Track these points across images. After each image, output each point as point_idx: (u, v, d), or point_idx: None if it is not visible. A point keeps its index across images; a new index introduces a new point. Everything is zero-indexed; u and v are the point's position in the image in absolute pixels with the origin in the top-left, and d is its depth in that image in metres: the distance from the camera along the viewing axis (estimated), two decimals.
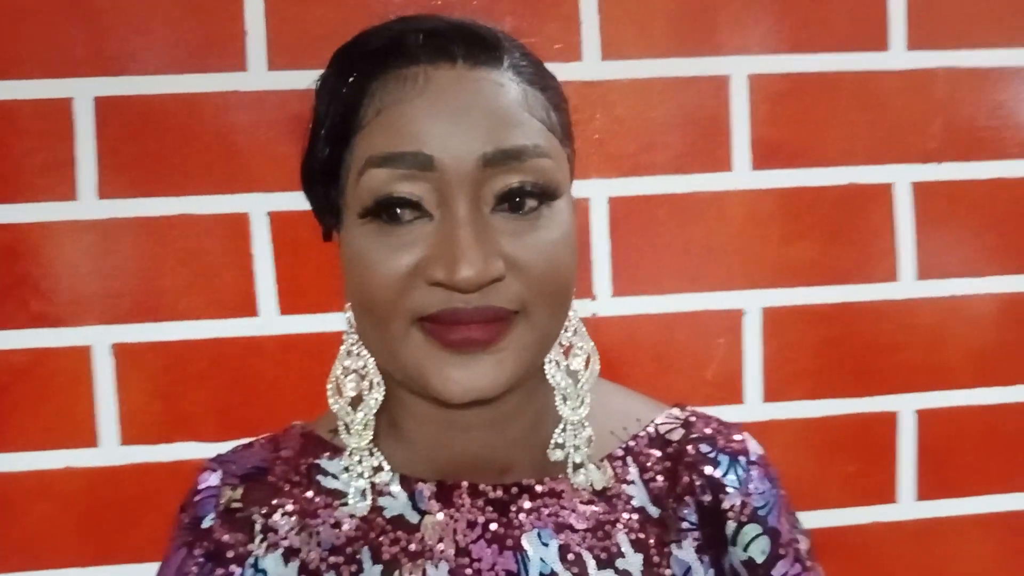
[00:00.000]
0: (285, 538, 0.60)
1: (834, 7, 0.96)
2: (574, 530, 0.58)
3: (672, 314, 0.96)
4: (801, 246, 0.97)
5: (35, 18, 0.90)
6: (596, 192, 0.95)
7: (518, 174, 0.52)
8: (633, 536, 0.59)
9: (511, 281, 0.52)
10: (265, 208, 0.92)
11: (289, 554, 0.59)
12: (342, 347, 0.61)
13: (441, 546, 0.57)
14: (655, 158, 0.95)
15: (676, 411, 0.66)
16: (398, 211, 0.52)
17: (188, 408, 0.93)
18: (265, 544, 0.60)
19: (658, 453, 0.63)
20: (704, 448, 0.62)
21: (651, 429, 0.64)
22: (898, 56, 0.96)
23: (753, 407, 0.97)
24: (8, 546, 0.92)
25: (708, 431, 0.64)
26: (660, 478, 0.62)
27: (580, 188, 0.93)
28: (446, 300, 0.51)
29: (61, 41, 0.90)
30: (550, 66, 0.89)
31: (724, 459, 0.62)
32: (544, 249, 0.53)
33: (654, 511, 0.60)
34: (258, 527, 0.60)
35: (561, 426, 0.60)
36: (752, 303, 0.97)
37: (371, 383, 0.60)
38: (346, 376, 0.61)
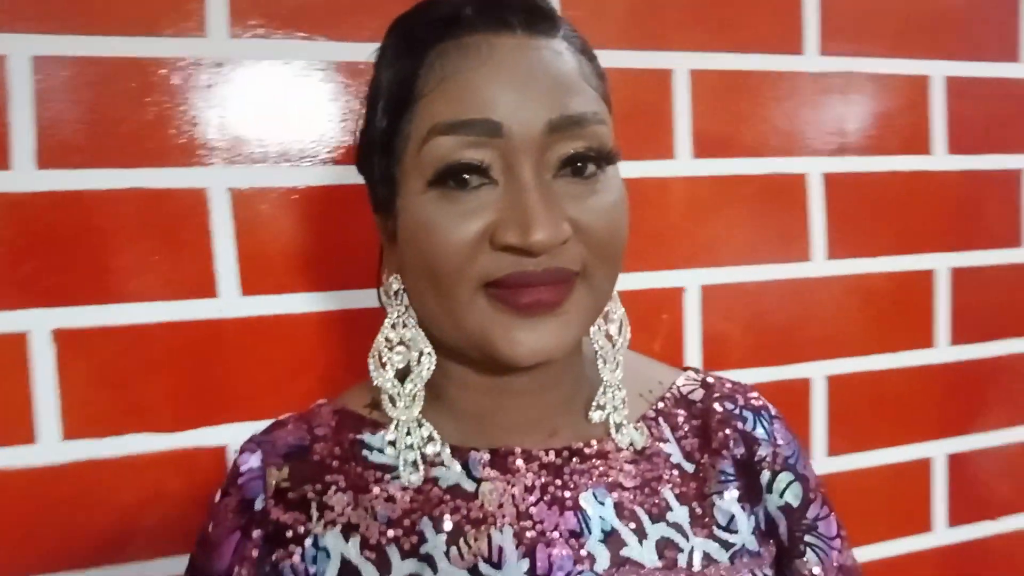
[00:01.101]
0: (342, 514, 0.59)
1: (756, 12, 1.05)
2: (624, 488, 0.60)
3: (621, 292, 1.02)
4: (732, 229, 1.06)
5: None
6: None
7: (581, 140, 0.53)
8: (677, 491, 0.62)
9: (574, 244, 0.53)
10: (225, 184, 0.87)
11: (348, 530, 0.58)
12: (386, 320, 0.60)
13: (502, 511, 0.58)
14: None
15: (692, 374, 0.70)
16: (465, 177, 0.53)
17: (140, 398, 0.86)
18: (323, 522, 0.59)
19: (684, 413, 0.66)
20: (729, 405, 0.67)
21: (674, 391, 0.68)
22: (812, 60, 1.08)
23: None
24: None
25: (727, 390, 0.68)
26: (691, 435, 0.65)
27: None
28: (515, 264, 0.52)
29: None
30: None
31: (749, 415, 0.67)
32: (605, 212, 0.55)
33: (689, 467, 0.63)
34: (314, 505, 0.59)
35: (601, 388, 0.63)
36: (692, 281, 1.04)
37: (421, 353, 0.60)
38: (391, 348, 0.60)
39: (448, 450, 0.60)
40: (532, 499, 0.59)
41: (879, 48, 1.10)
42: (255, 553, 0.59)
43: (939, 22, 1.13)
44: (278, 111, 0.88)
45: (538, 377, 0.60)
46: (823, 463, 1.10)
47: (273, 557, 0.59)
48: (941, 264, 1.15)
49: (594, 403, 0.63)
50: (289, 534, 0.59)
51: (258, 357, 0.89)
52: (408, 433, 0.60)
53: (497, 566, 0.56)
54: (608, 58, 0.97)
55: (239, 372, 0.88)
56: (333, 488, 0.60)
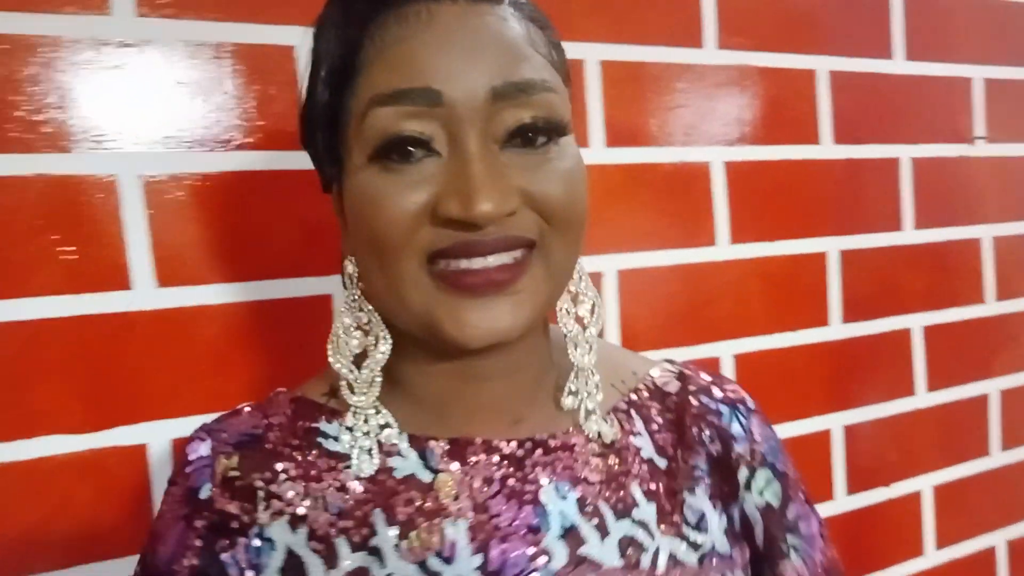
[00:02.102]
0: (291, 504, 0.56)
1: (658, 6, 1.10)
2: (589, 483, 0.58)
3: None
4: (643, 215, 1.09)
5: None
6: None
7: (528, 108, 0.51)
8: (645, 487, 0.59)
9: (527, 214, 0.52)
10: (136, 171, 0.83)
11: (296, 521, 0.56)
12: (343, 303, 0.59)
13: (458, 504, 0.56)
14: None
15: (667, 364, 0.68)
16: (409, 149, 0.51)
17: (46, 398, 0.80)
18: (270, 512, 0.56)
19: (658, 405, 0.64)
20: (705, 399, 0.65)
21: (648, 382, 0.65)
22: (711, 54, 1.13)
23: None
24: None
25: (704, 383, 0.66)
26: (665, 430, 0.63)
27: None
28: (458, 238, 0.51)
29: None
30: None
31: (726, 409, 0.65)
32: (559, 179, 0.53)
33: (661, 462, 0.61)
34: (261, 494, 0.57)
35: (573, 373, 0.60)
36: (609, 266, 1.07)
37: (377, 337, 0.57)
38: (347, 334, 0.58)
39: (405, 439, 0.58)
40: (491, 491, 0.57)
41: (770, 43, 1.17)
42: (198, 543, 0.56)
43: (822, 19, 1.21)
44: (188, 95, 0.85)
45: (499, 362, 0.57)
46: None
47: (216, 547, 0.56)
48: (832, 247, 1.22)
49: (566, 388, 0.60)
50: (234, 524, 0.56)
51: (174, 351, 0.85)
52: (365, 420, 0.58)
53: (448, 561, 0.54)
54: None
55: (155, 367, 0.84)
56: (284, 477, 0.57)
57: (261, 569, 0.55)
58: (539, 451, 0.58)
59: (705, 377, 0.68)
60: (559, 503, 0.57)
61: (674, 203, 1.11)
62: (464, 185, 0.49)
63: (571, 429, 0.60)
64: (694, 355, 1.12)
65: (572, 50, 1.00)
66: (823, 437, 1.22)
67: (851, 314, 1.24)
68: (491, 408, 0.59)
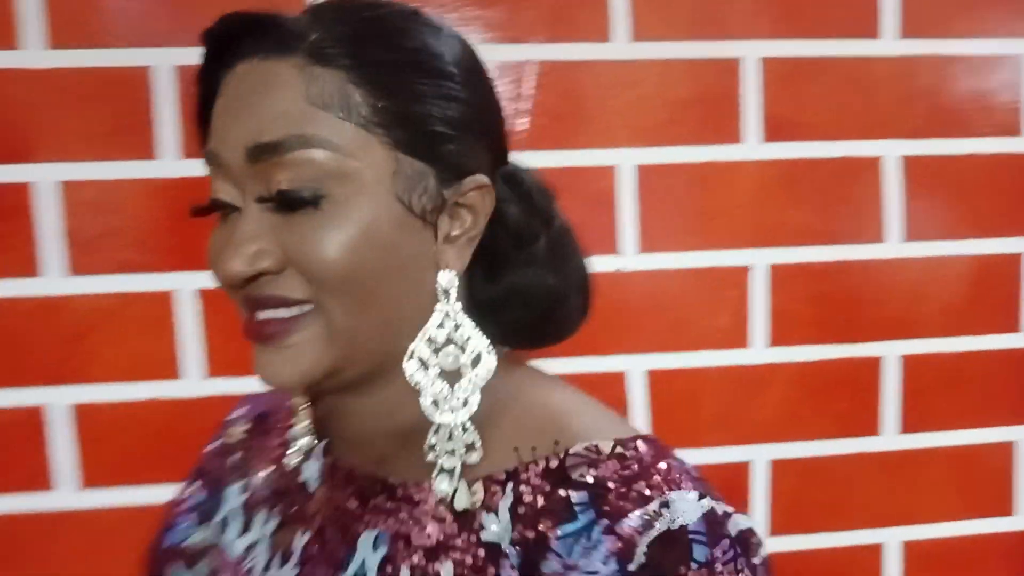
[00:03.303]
0: (244, 476, 0.66)
1: None
2: (409, 544, 0.54)
3: (689, 269, 1.09)
4: (801, 210, 1.09)
5: None
6: (624, 160, 1.06)
7: (284, 170, 0.49)
8: (459, 571, 0.52)
9: (294, 274, 0.51)
10: None
11: (245, 488, 0.65)
12: None
13: (315, 520, 0.59)
14: (676, 131, 1.07)
15: (607, 445, 0.51)
16: (222, 208, 0.53)
17: None
18: (235, 477, 0.67)
19: (548, 488, 0.51)
20: (584, 517, 0.49)
21: (560, 458, 0.52)
22: (888, 44, 1.09)
23: (758, 351, 1.10)
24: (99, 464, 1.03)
25: (618, 507, 0.48)
26: (530, 521, 0.51)
27: (609, 156, 1.05)
28: (241, 292, 0.52)
29: None
30: (583, 47, 1.01)
31: (601, 543, 0.48)
32: (321, 244, 0.50)
33: (509, 553, 0.51)
34: (232, 463, 0.68)
35: (433, 427, 0.53)
36: (759, 260, 1.09)
37: None
38: None
39: (320, 446, 0.61)
40: (334, 517, 0.58)
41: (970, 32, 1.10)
42: (184, 485, 0.69)
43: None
44: None
45: (354, 402, 0.56)
46: (891, 441, 1.13)
47: (186, 492, 0.68)
48: None
49: (426, 442, 0.53)
50: (206, 478, 0.68)
51: None
52: (303, 421, 0.62)
53: (281, 566, 0.59)
54: (677, 50, 1.05)
55: None
56: (253, 451, 0.67)
57: (209, 516, 0.66)
58: (384, 495, 0.56)
59: (628, 487, 0.49)
60: (368, 552, 0.55)
61: (835, 198, 1.10)
62: (223, 245, 0.51)
63: (427, 484, 0.54)
64: (849, 353, 1.11)
65: (728, 50, 1.04)
66: (1005, 449, 1.14)
67: None
68: (357, 441, 0.58)
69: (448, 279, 0.53)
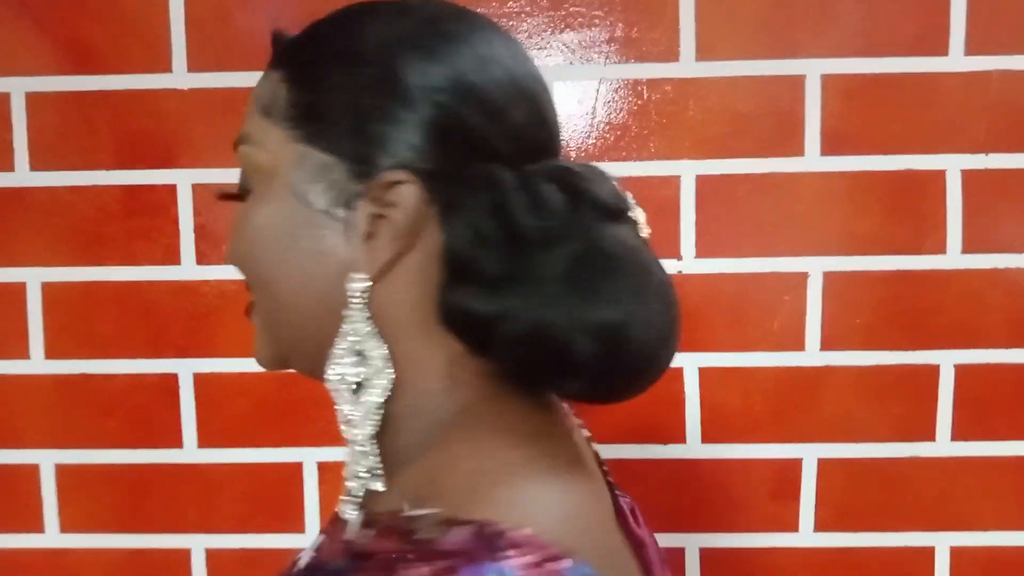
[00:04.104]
0: None
1: (899, 16, 1.12)
2: (320, 570, 0.51)
3: (746, 274, 1.15)
4: (861, 221, 1.14)
5: None
6: (686, 171, 1.15)
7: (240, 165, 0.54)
8: None
9: None
10: None
11: None
12: None
13: None
14: (739, 143, 1.14)
15: (439, 515, 0.42)
16: None
17: None
18: None
19: (329, 542, 0.52)
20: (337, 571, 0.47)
21: (394, 516, 0.45)
22: (956, 60, 1.12)
23: (813, 354, 1.16)
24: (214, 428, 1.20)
25: (368, 560, 0.44)
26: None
27: (672, 167, 1.14)
28: None
29: None
30: (651, 66, 1.10)
31: None
32: (236, 237, 0.53)
33: None
34: None
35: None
36: (815, 267, 1.15)
37: None
38: None
39: None
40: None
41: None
42: None
43: None
44: None
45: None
46: (946, 446, 1.15)
47: None
48: None
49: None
50: None
51: None
52: None
53: None
54: (742, 68, 1.12)
55: None
56: None
57: None
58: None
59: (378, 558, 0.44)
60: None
61: (896, 210, 1.14)
62: None
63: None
64: (906, 360, 1.15)
65: (792, 67, 1.10)
66: None
67: None
68: None
69: (356, 281, 0.49)
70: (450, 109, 0.48)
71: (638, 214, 0.52)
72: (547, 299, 0.46)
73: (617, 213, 0.50)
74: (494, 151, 0.49)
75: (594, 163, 0.53)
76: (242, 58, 1.15)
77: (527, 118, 0.51)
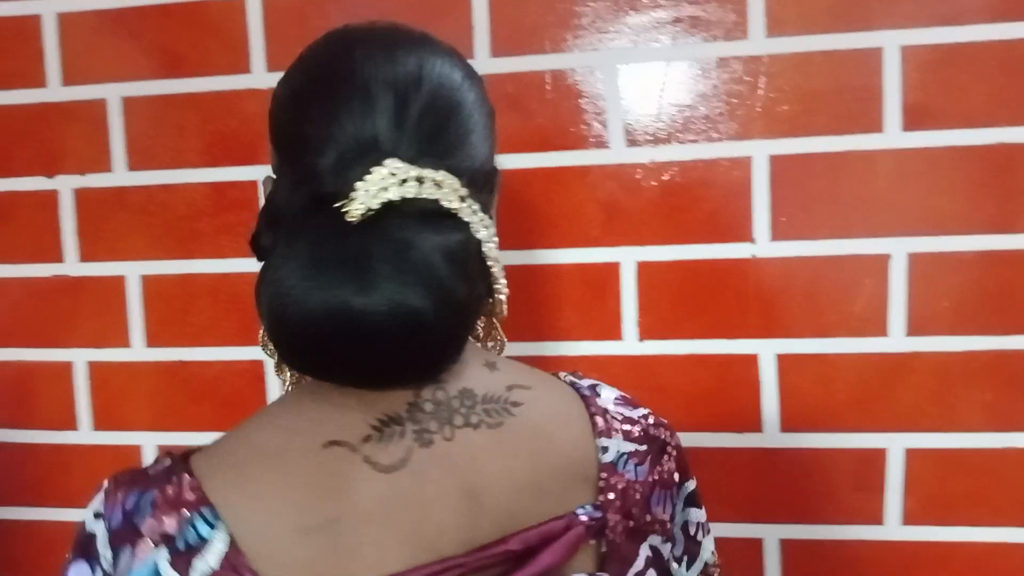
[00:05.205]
0: None
1: None
2: None
3: (824, 257, 1.11)
4: (945, 199, 1.08)
5: None
6: (757, 151, 1.11)
7: None
8: None
9: None
10: None
11: None
12: None
13: None
14: (813, 121, 1.10)
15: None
16: None
17: None
18: None
19: None
20: None
21: None
22: None
23: (897, 340, 1.10)
24: None
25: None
26: None
27: (743, 148, 1.11)
28: None
29: None
30: (720, 45, 1.06)
31: None
32: None
33: None
34: None
35: None
36: (898, 249, 1.09)
37: None
38: None
39: None
40: None
41: None
42: None
43: None
44: None
45: None
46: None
47: None
48: None
49: None
50: None
51: None
52: None
53: None
54: (814, 43, 1.08)
55: None
56: None
57: None
58: None
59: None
60: None
61: (985, 186, 1.07)
62: None
63: None
64: (996, 345, 1.08)
65: (868, 40, 1.06)
66: None
67: None
68: None
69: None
70: (284, 125, 0.61)
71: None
72: (279, 267, 0.55)
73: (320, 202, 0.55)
74: (277, 146, 0.61)
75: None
76: None
77: (301, 119, 0.59)
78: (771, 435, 1.15)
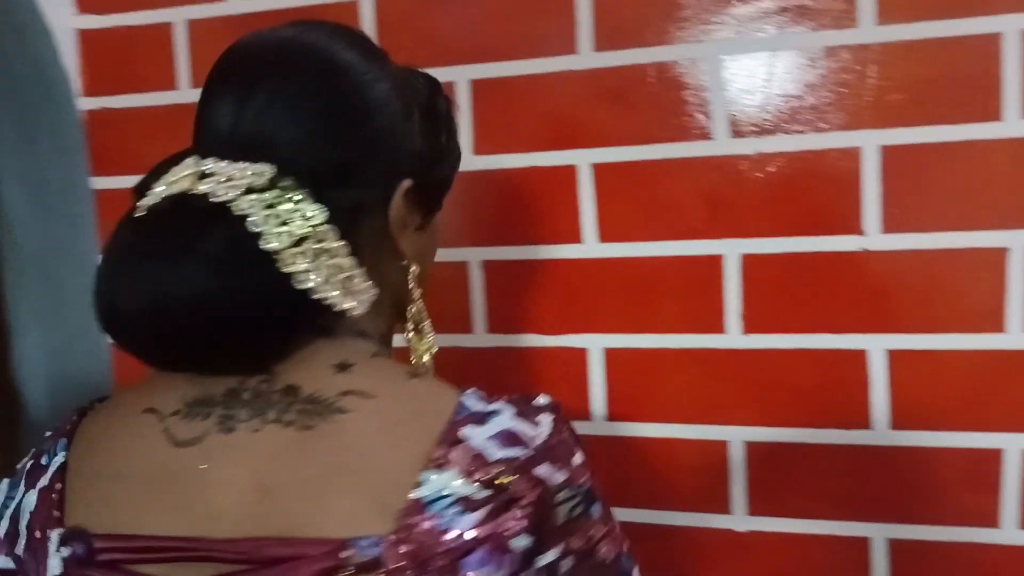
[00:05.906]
0: None
1: None
2: None
3: (937, 250, 1.08)
4: None
5: None
6: (867, 141, 1.09)
7: None
8: None
9: None
10: None
11: None
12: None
13: None
14: (925, 110, 1.07)
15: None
16: None
17: None
18: None
19: None
20: None
21: None
22: None
23: (1015, 336, 1.06)
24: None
25: None
26: None
27: (852, 138, 1.09)
28: None
29: None
30: (827, 34, 1.03)
31: None
32: None
33: None
34: None
35: None
36: (1017, 242, 1.05)
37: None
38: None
39: None
40: None
41: None
42: None
43: None
44: None
45: None
46: None
47: None
48: None
49: None
50: None
51: None
52: None
53: None
54: (926, 29, 1.06)
55: None
56: None
57: None
58: None
59: None
60: None
61: None
62: None
63: None
64: None
65: (984, 25, 1.03)
66: None
67: None
68: None
69: None
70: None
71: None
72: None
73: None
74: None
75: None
76: (429, 56, 1.23)
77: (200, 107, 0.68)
78: (881, 432, 1.12)
